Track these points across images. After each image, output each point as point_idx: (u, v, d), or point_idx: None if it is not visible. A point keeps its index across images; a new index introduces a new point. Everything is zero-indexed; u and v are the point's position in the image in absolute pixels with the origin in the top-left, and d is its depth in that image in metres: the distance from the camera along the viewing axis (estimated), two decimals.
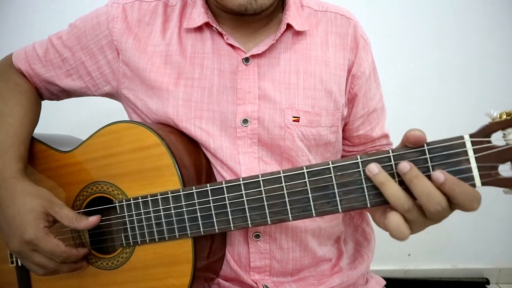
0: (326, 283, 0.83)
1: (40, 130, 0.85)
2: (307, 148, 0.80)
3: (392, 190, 0.54)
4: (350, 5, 0.94)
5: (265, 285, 0.79)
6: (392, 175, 0.56)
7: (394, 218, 0.55)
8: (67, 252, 0.70)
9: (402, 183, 0.55)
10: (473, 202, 0.52)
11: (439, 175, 0.52)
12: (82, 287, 0.77)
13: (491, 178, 0.53)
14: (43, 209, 0.70)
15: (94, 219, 0.72)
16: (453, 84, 1.74)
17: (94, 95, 0.89)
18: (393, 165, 0.56)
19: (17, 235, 0.68)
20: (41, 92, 0.89)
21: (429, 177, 0.53)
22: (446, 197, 0.53)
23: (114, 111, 1.09)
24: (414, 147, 0.55)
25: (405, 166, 0.53)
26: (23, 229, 0.68)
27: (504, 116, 0.52)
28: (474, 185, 0.53)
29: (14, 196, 0.70)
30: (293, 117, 0.78)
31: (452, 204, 0.54)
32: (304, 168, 0.60)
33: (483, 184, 0.53)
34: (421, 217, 0.55)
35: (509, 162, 0.52)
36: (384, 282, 0.94)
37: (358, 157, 0.57)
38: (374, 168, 0.55)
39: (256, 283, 0.79)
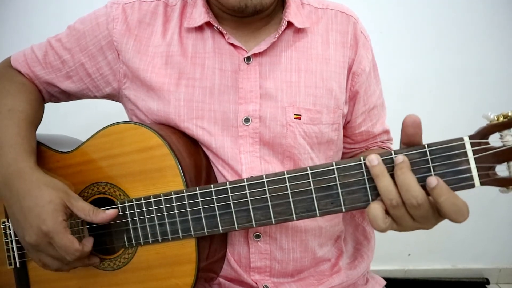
0: (326, 283, 0.83)
1: (40, 131, 0.84)
2: (310, 146, 0.80)
3: (385, 183, 0.56)
4: (350, 5, 0.94)
5: (265, 285, 0.80)
6: (392, 176, 0.57)
7: (375, 210, 0.57)
8: (80, 251, 0.68)
9: None
10: (458, 214, 0.54)
11: (432, 179, 0.54)
12: None
13: (489, 178, 0.54)
14: (61, 201, 0.68)
15: (111, 213, 0.70)
16: (453, 84, 1.75)
17: (96, 97, 0.89)
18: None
19: (34, 227, 0.66)
20: (42, 94, 0.89)
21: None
22: (432, 203, 0.55)
23: (114, 113, 1.09)
24: (415, 147, 0.57)
25: (398, 158, 0.56)
26: (42, 220, 0.66)
27: (501, 118, 0.53)
28: (473, 185, 0.55)
29: (31, 187, 0.68)
30: (295, 114, 0.78)
31: (440, 211, 0.55)
32: (308, 169, 0.61)
33: (481, 184, 0.55)
34: (407, 216, 0.56)
35: (505, 163, 0.54)
36: (384, 282, 0.94)
37: (361, 158, 0.59)
38: (373, 159, 0.57)
39: (256, 283, 0.80)
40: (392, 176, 0.56)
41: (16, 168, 0.70)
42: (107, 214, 0.70)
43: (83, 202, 0.71)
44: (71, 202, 0.69)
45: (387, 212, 0.57)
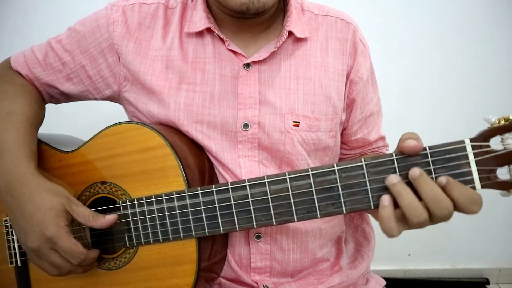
0: (326, 282, 0.84)
1: (41, 131, 0.84)
2: (307, 153, 0.81)
3: (409, 199, 0.55)
4: (350, 6, 0.94)
5: (265, 285, 0.80)
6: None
7: (385, 214, 0.56)
8: (84, 254, 0.69)
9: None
10: (473, 205, 0.54)
11: (441, 178, 0.54)
12: None
13: (490, 181, 0.55)
14: (63, 207, 0.69)
15: (111, 218, 0.71)
16: (453, 84, 1.75)
17: (96, 99, 0.88)
18: (396, 168, 0.57)
19: (37, 232, 0.67)
20: (42, 95, 0.88)
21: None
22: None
23: (115, 113, 1.09)
24: None
25: (415, 171, 0.55)
26: (45, 226, 0.67)
27: (502, 122, 0.54)
28: (474, 188, 0.55)
29: (32, 192, 0.69)
30: (293, 122, 0.78)
31: (454, 205, 0.55)
32: (309, 170, 0.61)
33: (482, 187, 0.55)
34: (430, 223, 0.57)
35: (506, 166, 0.54)
36: (384, 282, 0.95)
37: (363, 159, 0.59)
38: (392, 179, 0.56)
39: (256, 283, 0.80)
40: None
41: (17, 174, 0.71)
42: (107, 219, 0.71)
43: (84, 208, 0.71)
44: (71, 208, 0.70)
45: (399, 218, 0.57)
